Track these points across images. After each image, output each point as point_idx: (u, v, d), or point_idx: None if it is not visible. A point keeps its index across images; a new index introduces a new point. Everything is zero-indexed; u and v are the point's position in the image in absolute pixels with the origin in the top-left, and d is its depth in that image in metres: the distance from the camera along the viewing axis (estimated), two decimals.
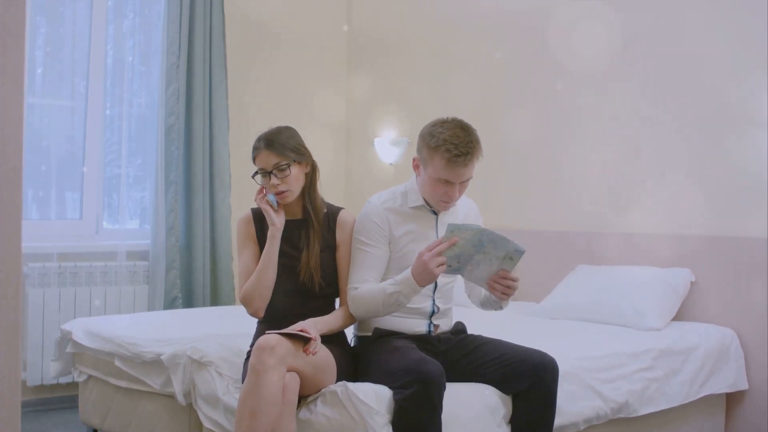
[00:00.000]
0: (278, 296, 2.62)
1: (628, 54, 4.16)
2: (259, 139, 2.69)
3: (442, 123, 2.64)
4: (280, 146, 2.64)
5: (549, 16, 4.51)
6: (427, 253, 2.45)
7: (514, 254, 2.47)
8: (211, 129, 4.84)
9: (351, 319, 2.68)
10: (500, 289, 2.54)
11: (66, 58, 4.60)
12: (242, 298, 2.61)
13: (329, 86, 5.59)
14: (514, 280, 2.53)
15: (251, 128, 5.18)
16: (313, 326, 2.48)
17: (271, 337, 2.34)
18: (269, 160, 2.64)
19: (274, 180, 2.63)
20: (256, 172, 2.67)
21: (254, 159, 2.68)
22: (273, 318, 2.64)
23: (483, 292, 2.75)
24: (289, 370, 2.37)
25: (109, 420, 3.47)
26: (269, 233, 2.61)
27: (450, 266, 2.50)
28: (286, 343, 2.35)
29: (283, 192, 2.63)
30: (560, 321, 3.84)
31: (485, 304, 2.76)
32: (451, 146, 2.55)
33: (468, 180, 2.64)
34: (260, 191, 2.65)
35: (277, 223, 2.61)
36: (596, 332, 3.53)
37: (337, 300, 2.77)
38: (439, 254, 2.44)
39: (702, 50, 3.88)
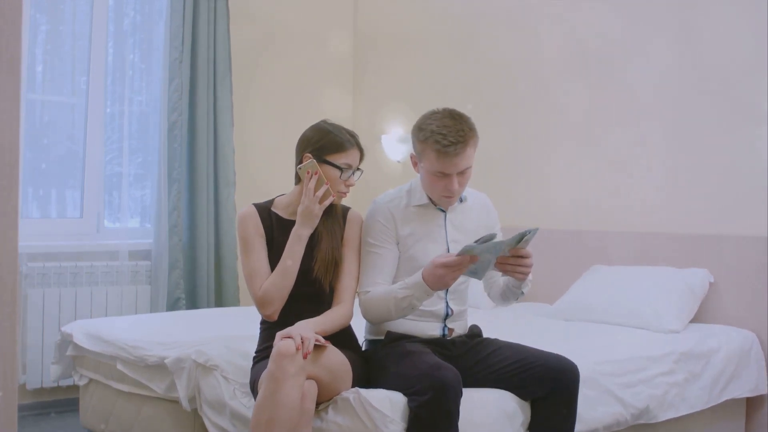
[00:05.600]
0: (289, 299, 2.51)
1: (634, 53, 4.07)
2: (351, 134, 2.57)
3: (432, 114, 2.55)
4: (362, 149, 2.58)
5: (552, 12, 4.44)
6: (443, 269, 2.35)
7: (527, 236, 2.34)
8: (215, 125, 4.74)
9: (345, 320, 2.55)
10: (513, 270, 2.41)
11: (66, 55, 4.53)
12: (261, 298, 2.48)
13: (336, 82, 5.50)
14: (525, 257, 2.40)
15: (256, 125, 5.18)
16: (307, 328, 2.35)
17: (291, 344, 2.23)
18: (356, 158, 2.56)
19: (352, 179, 2.55)
20: (327, 162, 2.51)
21: (337, 150, 2.52)
22: (283, 322, 2.50)
23: (501, 283, 2.65)
24: (307, 378, 2.27)
25: (110, 425, 3.38)
26: (299, 232, 2.49)
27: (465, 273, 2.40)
28: None
29: (346, 193, 2.56)
30: (575, 323, 3.74)
31: (505, 295, 2.65)
32: (439, 137, 2.46)
33: (467, 170, 2.52)
34: (320, 184, 2.48)
35: (318, 223, 2.52)
36: (613, 334, 3.44)
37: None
38: (458, 271, 2.34)
39: (723, 49, 3.79)
